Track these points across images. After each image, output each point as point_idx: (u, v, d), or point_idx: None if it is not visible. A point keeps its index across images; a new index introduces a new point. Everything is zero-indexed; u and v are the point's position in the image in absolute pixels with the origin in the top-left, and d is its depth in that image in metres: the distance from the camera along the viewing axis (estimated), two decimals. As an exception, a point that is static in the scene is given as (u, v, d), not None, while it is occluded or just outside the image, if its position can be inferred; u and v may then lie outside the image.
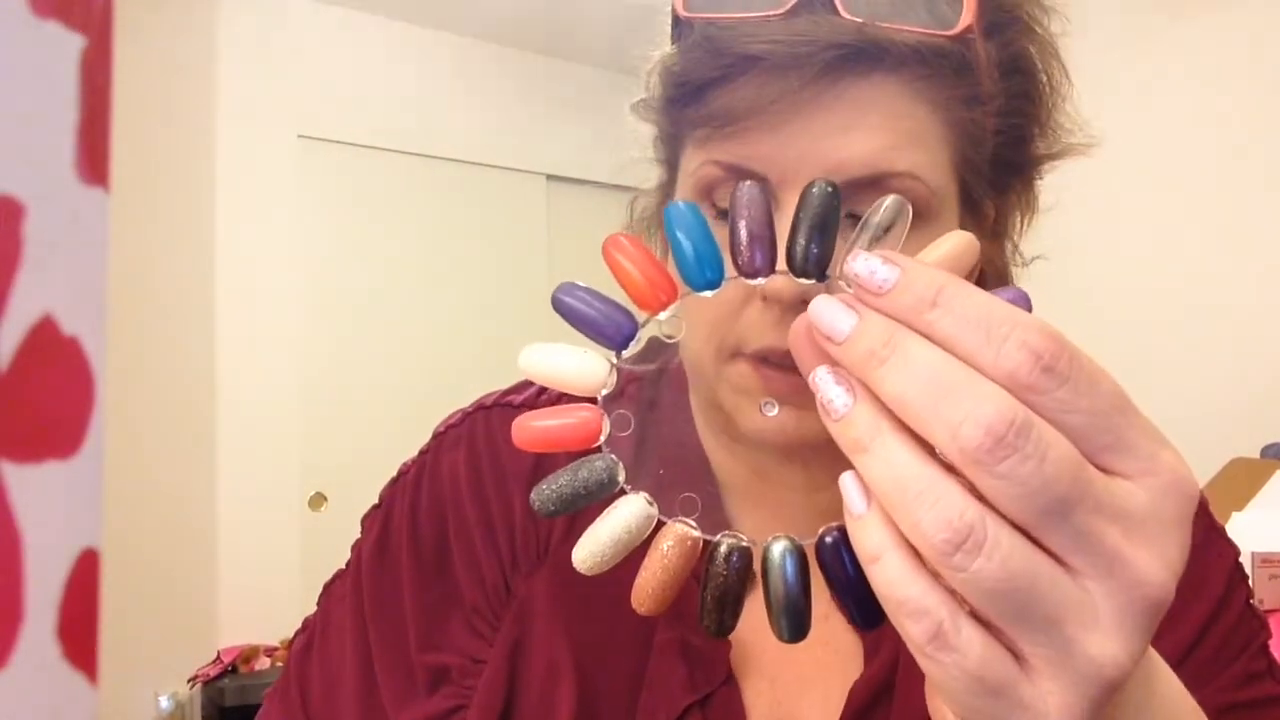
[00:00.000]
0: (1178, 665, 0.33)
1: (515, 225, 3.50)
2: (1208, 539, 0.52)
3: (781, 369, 0.42)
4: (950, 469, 0.26)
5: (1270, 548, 1.52)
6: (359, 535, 0.58)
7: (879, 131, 0.41)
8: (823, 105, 0.41)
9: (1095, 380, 0.26)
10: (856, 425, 0.27)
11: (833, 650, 0.50)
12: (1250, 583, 0.54)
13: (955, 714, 0.28)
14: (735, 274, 0.33)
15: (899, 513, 0.26)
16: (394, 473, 0.58)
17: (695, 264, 0.32)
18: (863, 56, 0.41)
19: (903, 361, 0.26)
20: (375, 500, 0.58)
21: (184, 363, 2.87)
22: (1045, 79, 0.48)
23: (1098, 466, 0.26)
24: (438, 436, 0.57)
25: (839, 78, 0.41)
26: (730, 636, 0.49)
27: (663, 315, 0.33)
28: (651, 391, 0.57)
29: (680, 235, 0.32)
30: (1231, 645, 0.50)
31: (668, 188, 0.52)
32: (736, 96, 0.42)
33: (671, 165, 0.51)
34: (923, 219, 0.43)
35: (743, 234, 0.32)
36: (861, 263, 0.28)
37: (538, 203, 3.56)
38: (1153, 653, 0.32)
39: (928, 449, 0.26)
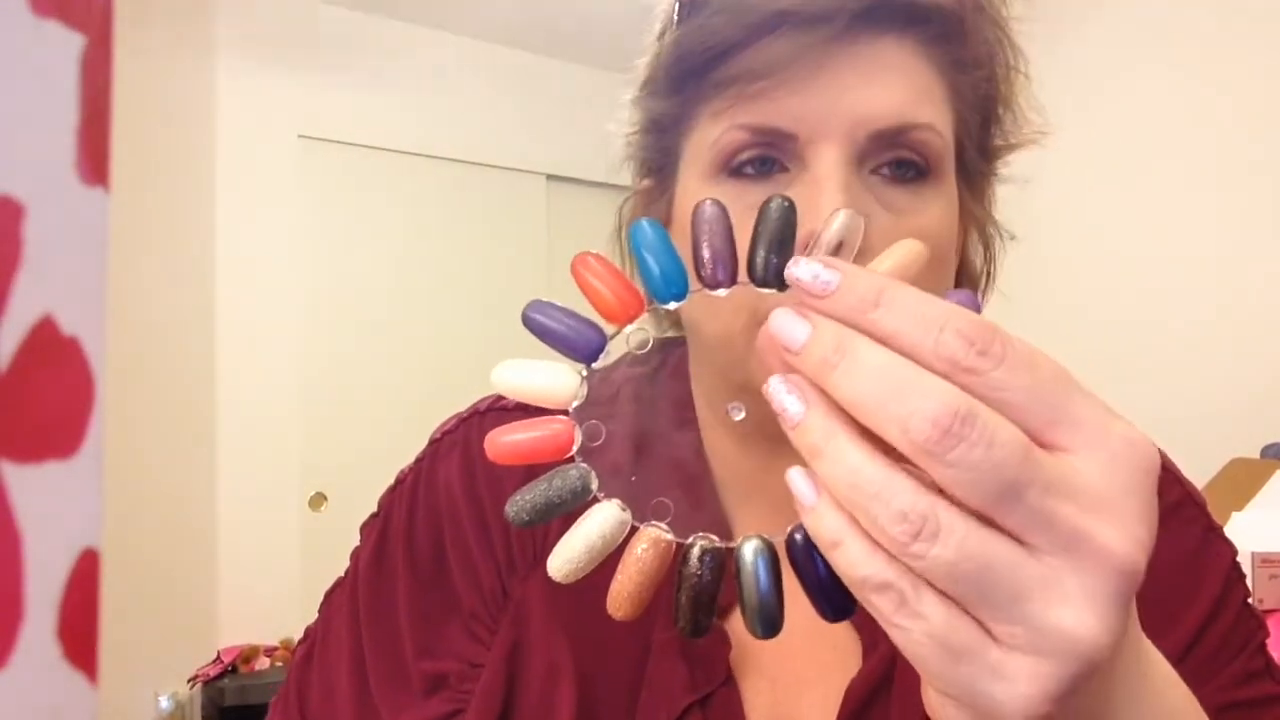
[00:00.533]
0: (1176, 665, 0.33)
1: (515, 225, 3.50)
2: (1205, 539, 0.52)
3: None
4: (911, 465, 0.27)
5: (1270, 548, 1.51)
6: (358, 543, 0.58)
7: (898, 87, 0.43)
8: (845, 61, 0.43)
9: (1031, 360, 0.27)
10: (811, 432, 0.28)
11: (831, 648, 0.50)
12: (1250, 583, 0.54)
13: (933, 688, 0.28)
14: (699, 286, 0.34)
15: (857, 511, 0.27)
16: (394, 474, 0.58)
17: (661, 280, 0.34)
18: (877, 14, 0.43)
19: (852, 365, 0.28)
20: (375, 501, 0.58)
21: (184, 363, 2.87)
22: (1005, 60, 0.49)
23: (1046, 443, 0.27)
24: (433, 443, 0.57)
25: (857, 36, 0.43)
26: (729, 636, 0.50)
27: (629, 328, 0.34)
28: (650, 389, 0.57)
29: (644, 252, 0.34)
30: (1230, 645, 0.50)
31: (655, 191, 0.52)
32: (761, 56, 0.43)
33: (663, 169, 0.51)
34: (935, 176, 0.45)
35: (705, 250, 0.34)
36: (804, 268, 0.29)
37: (538, 203, 3.56)
38: (1148, 645, 0.32)
39: (884, 449, 0.27)
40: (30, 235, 0.15)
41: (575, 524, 0.33)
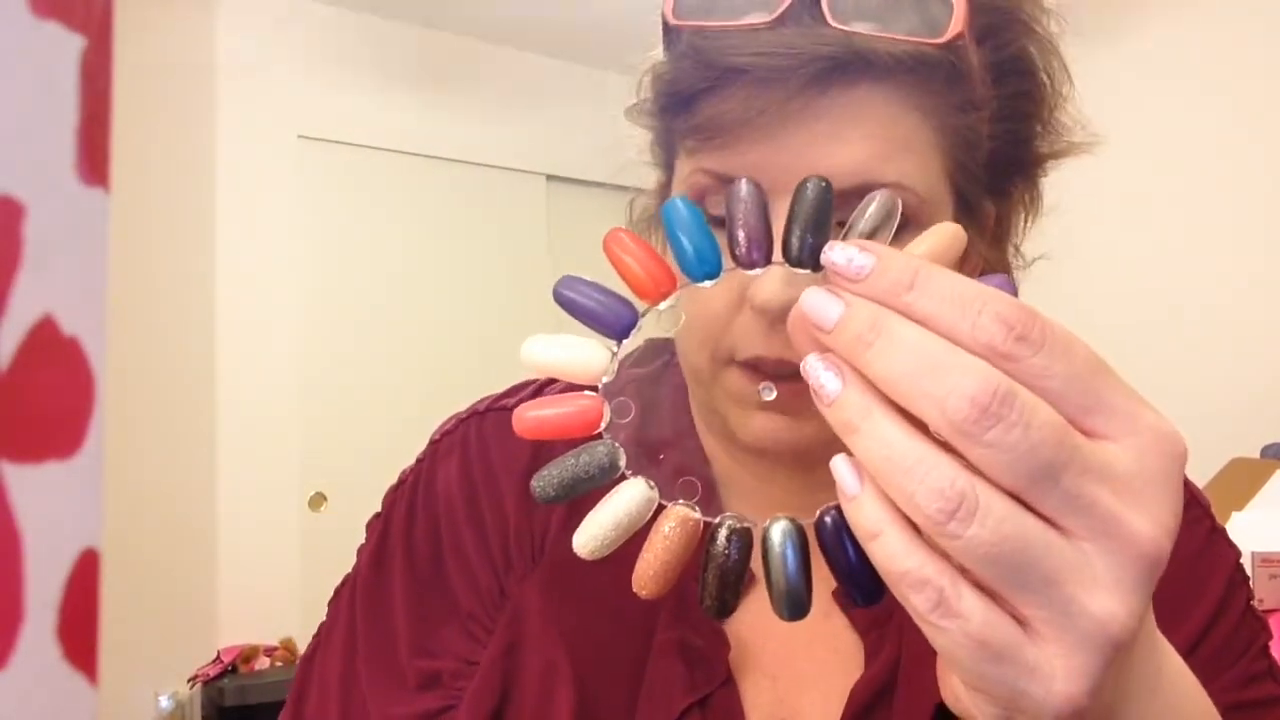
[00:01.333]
0: None
1: (515, 225, 3.50)
2: (1210, 540, 0.52)
3: (775, 378, 0.43)
4: (943, 445, 0.27)
5: (1270, 548, 1.52)
6: (364, 540, 0.58)
7: (866, 141, 0.41)
8: (810, 115, 0.41)
9: (1069, 345, 0.27)
10: (847, 407, 0.28)
11: (833, 649, 0.50)
12: (1250, 583, 0.54)
13: (966, 684, 0.28)
14: (733, 266, 0.34)
15: (893, 488, 0.27)
16: (394, 474, 0.58)
17: (694, 256, 0.33)
18: (850, 66, 0.41)
19: (888, 343, 0.27)
20: (375, 500, 0.59)
21: (184, 363, 2.87)
22: (1046, 78, 0.48)
23: (1081, 431, 0.27)
24: (433, 444, 0.57)
25: (826, 87, 0.41)
26: (730, 636, 0.50)
27: (663, 305, 0.34)
28: (652, 390, 0.57)
29: (678, 230, 0.33)
30: (1232, 647, 0.50)
31: (666, 189, 0.52)
32: (724, 108, 0.42)
33: (668, 167, 0.51)
34: (915, 225, 0.43)
35: (740, 227, 0.33)
36: (838, 252, 0.29)
37: (538, 203, 3.56)
38: (1160, 638, 0.32)
39: (918, 427, 0.27)
40: (30, 235, 0.15)
41: (603, 500, 0.33)
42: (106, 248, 0.16)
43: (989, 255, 0.50)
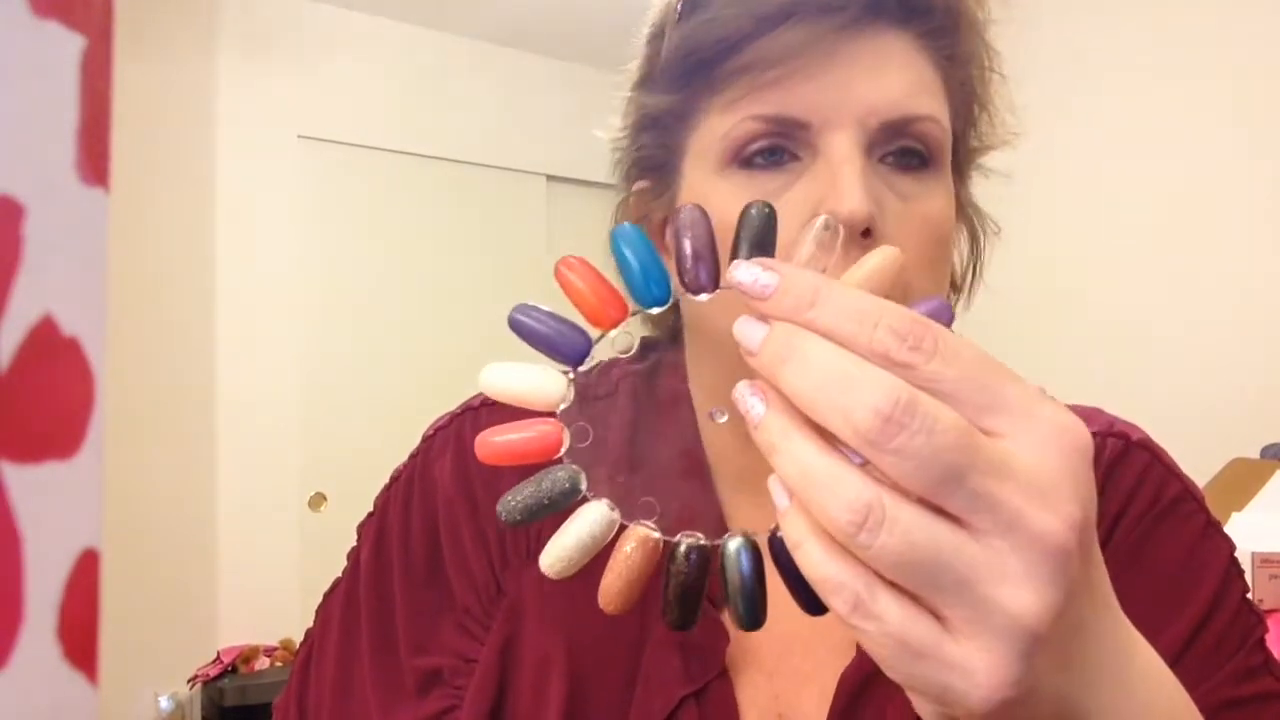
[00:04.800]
0: (1175, 661, 0.34)
1: (515, 225, 3.50)
2: (1204, 534, 0.52)
3: None
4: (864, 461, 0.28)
5: (1270, 548, 1.51)
6: (355, 542, 0.58)
7: (905, 78, 0.45)
8: (853, 52, 0.45)
9: (958, 351, 0.28)
10: (768, 430, 0.30)
11: (830, 645, 0.51)
12: (1250, 582, 0.54)
13: (897, 681, 0.29)
14: (682, 291, 0.34)
15: (810, 503, 0.29)
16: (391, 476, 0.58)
17: (642, 282, 0.34)
18: (883, 7, 0.45)
19: (800, 361, 0.29)
20: (374, 501, 0.58)
21: (184, 363, 2.87)
22: (981, 60, 0.51)
23: (981, 431, 0.28)
24: (427, 440, 0.57)
25: (862, 29, 0.45)
26: (728, 630, 0.50)
27: (613, 333, 0.35)
28: (646, 386, 0.57)
29: (627, 256, 0.34)
30: (1229, 640, 0.50)
31: (654, 190, 0.52)
32: (774, 45, 0.44)
33: (663, 166, 0.51)
34: (936, 165, 0.47)
35: (688, 253, 0.34)
36: (744, 271, 0.31)
37: (538, 203, 3.56)
38: (1130, 628, 0.32)
39: (835, 444, 0.29)
40: (30, 235, 0.15)
41: (566, 523, 0.34)
42: (106, 248, 0.16)
43: (968, 209, 0.54)
